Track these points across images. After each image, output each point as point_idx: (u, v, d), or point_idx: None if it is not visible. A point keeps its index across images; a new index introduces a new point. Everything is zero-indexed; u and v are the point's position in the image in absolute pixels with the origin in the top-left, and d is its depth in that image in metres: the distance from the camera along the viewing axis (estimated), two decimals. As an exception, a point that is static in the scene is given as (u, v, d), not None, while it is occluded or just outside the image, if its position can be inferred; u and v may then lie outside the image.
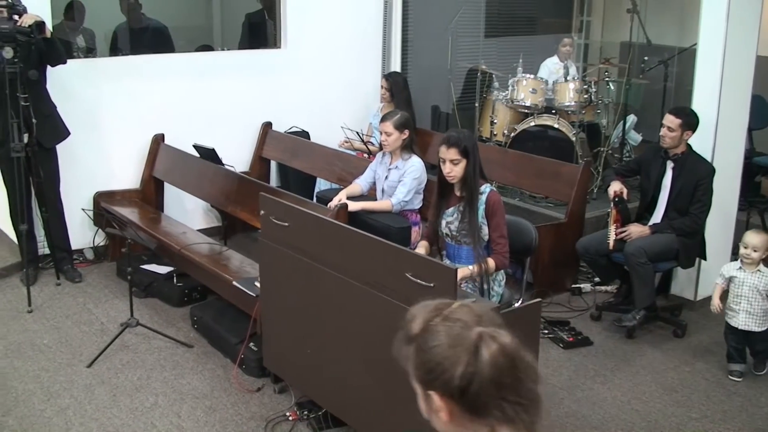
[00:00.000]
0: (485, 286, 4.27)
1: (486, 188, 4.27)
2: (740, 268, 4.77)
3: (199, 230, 6.24)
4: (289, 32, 7.35)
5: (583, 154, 7.26)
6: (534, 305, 3.62)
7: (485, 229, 4.25)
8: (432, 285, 3.28)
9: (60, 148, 6.00)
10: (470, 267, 4.18)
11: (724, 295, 4.89)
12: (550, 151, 6.86)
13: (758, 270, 4.73)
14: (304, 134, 7.40)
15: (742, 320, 4.73)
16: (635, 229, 5.29)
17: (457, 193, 4.31)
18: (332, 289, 3.84)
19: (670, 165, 5.32)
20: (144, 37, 7.69)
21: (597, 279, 5.97)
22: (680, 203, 5.26)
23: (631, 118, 8.01)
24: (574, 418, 4.37)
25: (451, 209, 4.34)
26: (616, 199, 5.37)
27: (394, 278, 3.46)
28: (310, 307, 4.02)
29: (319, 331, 3.99)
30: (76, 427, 4.17)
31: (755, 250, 4.69)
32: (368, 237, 3.67)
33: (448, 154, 4.18)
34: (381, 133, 5.36)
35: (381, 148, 5.55)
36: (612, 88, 7.98)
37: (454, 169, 4.20)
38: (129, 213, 6.21)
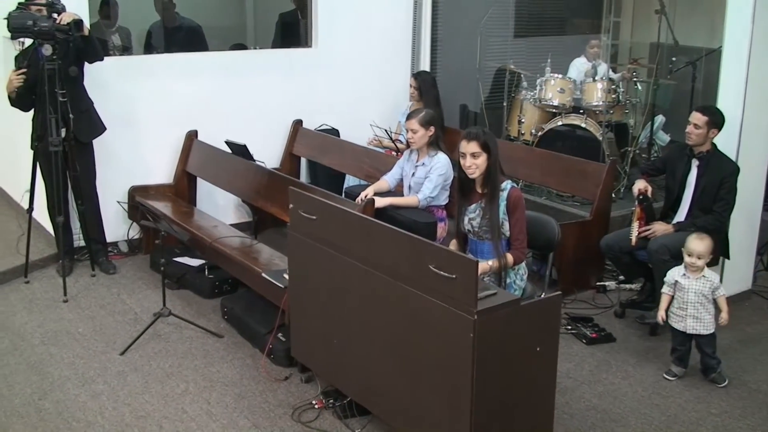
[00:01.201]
0: (507, 280, 4.36)
1: (507, 185, 4.35)
2: (684, 274, 4.72)
3: (231, 225, 6.37)
4: (321, 31, 7.48)
5: (611, 153, 7.31)
6: (554, 298, 3.70)
7: (506, 225, 4.33)
8: (454, 277, 3.38)
9: (96, 143, 6.17)
10: (489, 262, 4.27)
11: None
12: (577, 150, 6.91)
13: (703, 276, 4.69)
14: (334, 132, 7.52)
15: (690, 325, 4.70)
16: (659, 228, 5.35)
17: (479, 190, 4.40)
18: (358, 281, 3.95)
19: (695, 163, 5.37)
20: (178, 36, 7.85)
21: (622, 277, 6.03)
22: (704, 202, 5.30)
23: (660, 119, 8.04)
24: (595, 411, 4.44)
25: (473, 206, 4.42)
26: (641, 197, 5.43)
27: (418, 270, 3.55)
28: (337, 298, 4.13)
29: (345, 321, 4.10)
30: (109, 412, 4.32)
31: (699, 257, 4.65)
32: (393, 230, 3.77)
33: (469, 147, 4.27)
34: (407, 131, 5.46)
35: (408, 145, 5.64)
36: (640, 88, 8.02)
37: (474, 162, 4.27)
38: (162, 207, 6.36)
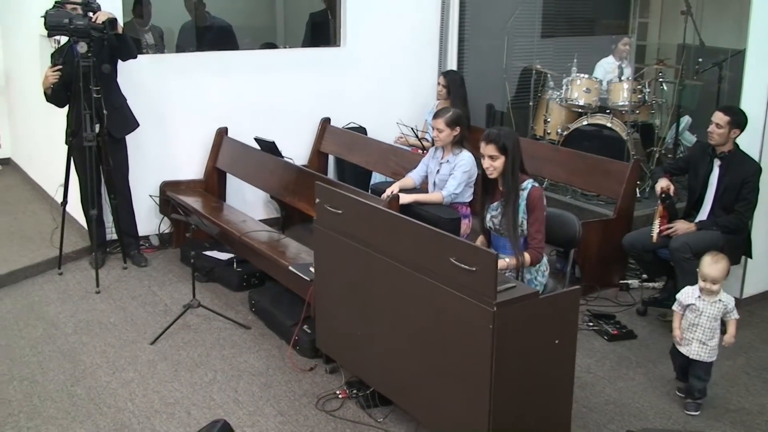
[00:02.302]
0: (528, 277, 4.44)
1: (528, 183, 4.42)
2: (699, 296, 4.43)
3: (259, 221, 6.46)
4: (349, 31, 7.59)
5: (637, 153, 7.35)
6: (573, 292, 3.77)
7: (525, 224, 4.41)
8: (474, 269, 3.47)
9: (129, 138, 6.31)
10: (506, 259, 4.35)
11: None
12: (602, 150, 6.95)
13: (719, 299, 4.41)
14: (362, 130, 7.62)
15: (695, 350, 4.43)
16: (681, 226, 5.40)
17: (501, 188, 4.48)
18: (381, 274, 4.05)
19: (717, 163, 5.41)
20: (209, 35, 7.98)
21: (645, 275, 6.08)
22: (726, 201, 5.35)
23: (686, 119, 8.06)
24: (614, 406, 4.50)
25: (495, 203, 4.51)
26: (663, 195, 5.49)
27: (439, 263, 3.65)
28: (361, 290, 4.23)
29: (368, 313, 4.20)
30: (139, 398, 4.46)
31: (714, 283, 4.37)
32: (415, 223, 3.87)
33: (487, 149, 4.36)
34: (433, 130, 5.55)
35: (433, 143, 5.73)
36: (665, 88, 8.05)
37: (492, 164, 4.37)
38: (193, 202, 6.49)
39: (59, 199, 6.31)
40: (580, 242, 4.80)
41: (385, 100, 7.77)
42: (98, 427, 4.17)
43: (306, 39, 8.58)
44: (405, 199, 5.37)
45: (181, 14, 8.26)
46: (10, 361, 4.86)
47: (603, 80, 7.95)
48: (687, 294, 4.50)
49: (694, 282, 5.31)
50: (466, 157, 5.42)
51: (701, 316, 4.41)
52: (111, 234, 6.51)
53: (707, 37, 7.91)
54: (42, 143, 7.68)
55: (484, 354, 3.46)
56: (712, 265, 4.39)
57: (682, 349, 4.50)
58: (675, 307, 4.54)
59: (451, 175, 5.43)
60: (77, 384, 4.61)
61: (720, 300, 4.41)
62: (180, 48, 8.11)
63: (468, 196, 5.51)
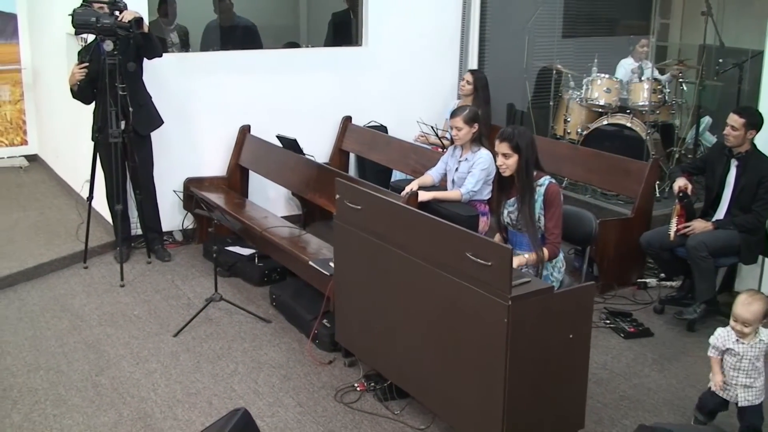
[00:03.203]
0: (544, 272, 4.50)
1: (545, 180, 4.49)
2: (738, 340, 3.99)
3: (281, 217, 6.56)
4: (371, 31, 7.66)
5: (657, 153, 7.37)
6: (587, 287, 3.83)
7: (543, 220, 4.47)
8: (489, 264, 3.53)
9: (154, 135, 6.42)
10: (526, 255, 4.42)
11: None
12: (622, 150, 6.96)
13: (759, 339, 3.99)
14: (383, 128, 7.69)
15: (741, 396, 4.02)
16: (698, 225, 5.43)
17: (518, 185, 4.55)
18: (399, 269, 4.12)
19: (734, 163, 5.45)
20: (234, 35, 8.08)
21: (662, 274, 6.11)
22: (743, 200, 5.38)
23: (706, 120, 8.07)
24: (629, 401, 4.55)
25: (512, 200, 4.58)
26: (681, 195, 5.53)
27: (455, 257, 3.71)
28: (379, 285, 4.31)
29: (387, 307, 4.27)
30: (162, 389, 4.56)
31: (746, 325, 3.94)
32: (432, 219, 3.94)
33: (501, 148, 4.44)
34: (452, 128, 5.61)
35: (452, 142, 5.79)
36: (685, 89, 8.07)
37: (505, 162, 4.45)
38: (216, 198, 6.59)
39: (85, 194, 6.42)
40: (596, 239, 4.85)
41: (406, 99, 7.83)
42: (121, 416, 4.28)
43: (328, 38, 8.67)
44: (424, 196, 5.43)
45: (204, 13, 8.36)
46: (36, 351, 4.98)
47: (623, 80, 7.98)
48: (722, 338, 4.04)
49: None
50: (484, 155, 5.48)
51: (742, 360, 4.00)
52: (135, 229, 6.62)
53: (729, 37, 7.91)
54: (68, 140, 7.81)
55: (499, 348, 3.52)
56: (745, 306, 3.96)
57: (725, 396, 4.08)
58: (711, 352, 4.09)
59: (469, 173, 5.49)
60: (101, 374, 4.72)
61: (761, 340, 3.99)
62: (205, 47, 8.21)
63: (486, 194, 5.56)
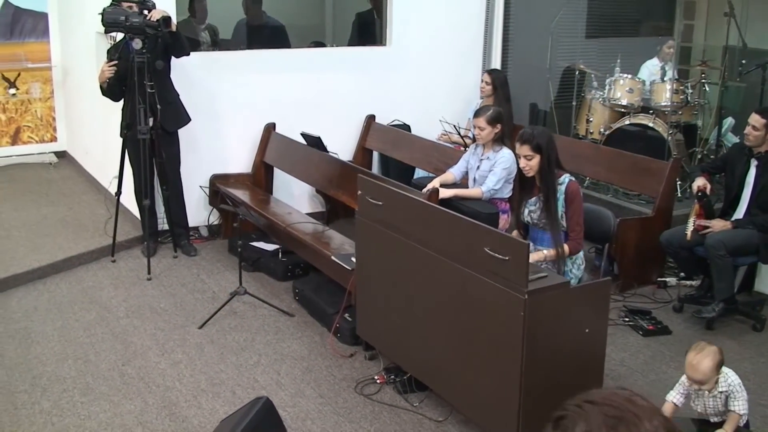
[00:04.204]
0: (564, 268, 4.56)
1: (565, 178, 4.56)
2: (693, 390, 3.82)
3: (305, 214, 6.64)
4: (395, 30, 7.75)
5: (680, 154, 7.40)
6: (603, 283, 3.91)
7: (565, 217, 4.54)
8: (507, 258, 3.61)
9: (181, 132, 6.54)
10: (544, 251, 4.49)
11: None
12: (645, 150, 6.97)
13: (718, 391, 3.74)
14: (406, 127, 7.77)
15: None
16: (718, 224, 5.47)
17: (538, 184, 4.62)
18: (419, 263, 4.20)
19: (754, 163, 5.48)
20: (262, 34, 8.17)
21: (682, 273, 6.14)
22: (763, 200, 5.42)
23: (729, 121, 8.08)
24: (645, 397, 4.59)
25: (533, 199, 4.65)
26: (700, 194, 5.57)
27: (474, 252, 3.79)
28: (399, 279, 4.39)
29: (407, 302, 4.36)
30: (187, 378, 4.67)
31: (702, 383, 3.69)
32: (451, 214, 4.02)
33: (522, 150, 4.52)
34: (474, 128, 5.68)
35: (475, 141, 5.86)
36: (707, 89, 8.08)
37: (528, 164, 4.53)
38: (241, 194, 6.70)
39: (113, 190, 6.54)
40: (614, 237, 4.90)
41: (429, 99, 7.90)
42: (147, 404, 4.39)
43: (353, 38, 8.75)
44: (445, 193, 5.51)
45: (234, 12, 8.46)
46: (65, 341, 5.11)
47: (647, 81, 8.01)
48: (683, 382, 3.87)
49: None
50: (506, 154, 5.55)
51: (706, 409, 3.83)
52: (163, 224, 6.74)
53: (752, 38, 7.91)
54: (97, 136, 7.95)
55: (516, 341, 3.60)
56: (693, 367, 3.69)
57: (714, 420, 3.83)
58: (670, 396, 3.94)
59: (491, 172, 5.56)
60: (128, 364, 4.84)
61: (720, 392, 3.73)
62: (235, 45, 8.30)
63: (507, 192, 5.62)
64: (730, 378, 3.74)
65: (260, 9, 8.17)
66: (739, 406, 3.71)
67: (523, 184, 4.75)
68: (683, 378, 3.88)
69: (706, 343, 3.81)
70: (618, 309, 5.67)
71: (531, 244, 4.49)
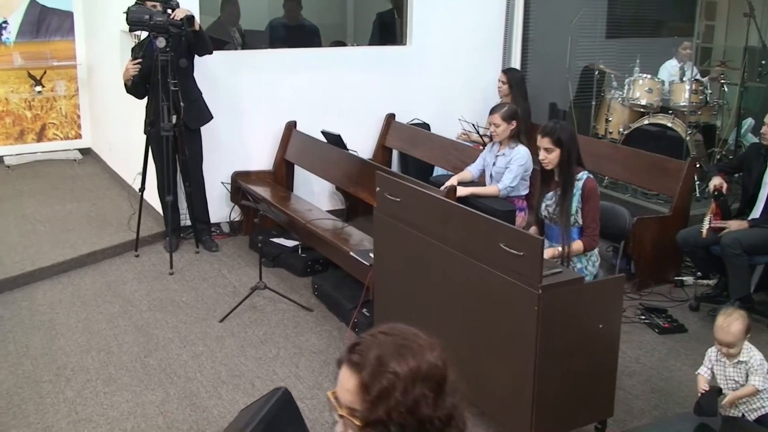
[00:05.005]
0: (578, 266, 4.61)
1: (583, 175, 4.60)
2: (717, 359, 3.92)
3: (325, 211, 6.72)
4: (415, 30, 7.81)
5: (699, 154, 7.41)
6: (617, 279, 3.96)
7: (580, 213, 4.59)
8: (521, 254, 3.67)
9: (204, 130, 6.63)
10: (558, 248, 4.55)
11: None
12: (664, 150, 6.97)
13: (738, 360, 3.81)
14: (425, 126, 7.82)
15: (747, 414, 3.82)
16: (734, 224, 5.50)
17: (557, 179, 4.67)
18: (436, 259, 4.27)
19: (770, 162, 5.52)
20: (299, 34, 8.21)
21: (699, 273, 6.17)
22: (780, 200, 5.45)
23: (748, 121, 8.09)
24: (659, 394, 4.65)
25: (550, 194, 4.70)
26: (716, 193, 5.60)
27: (489, 248, 3.85)
28: (416, 274, 4.46)
29: (424, 297, 4.43)
30: (207, 370, 4.77)
31: (731, 347, 3.77)
32: (467, 210, 4.09)
33: (543, 142, 4.57)
34: (490, 125, 5.75)
35: (491, 139, 5.92)
36: (727, 90, 8.10)
37: (548, 156, 4.58)
38: (262, 191, 6.79)
39: (137, 186, 6.65)
40: (630, 234, 4.94)
41: (449, 98, 7.95)
42: (168, 395, 4.49)
43: (373, 37, 8.82)
44: (462, 191, 5.56)
45: (265, 13, 8.55)
46: (89, 333, 5.22)
47: (666, 81, 8.03)
48: (709, 355, 3.97)
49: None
50: (521, 151, 5.60)
51: (727, 382, 3.88)
52: (185, 220, 6.83)
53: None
54: (121, 133, 8.06)
55: (530, 335, 3.66)
56: (723, 330, 3.79)
57: (733, 413, 3.86)
58: (701, 370, 3.98)
59: (507, 169, 5.61)
60: (150, 356, 4.94)
61: (739, 361, 3.81)
62: (270, 45, 8.34)
63: (524, 190, 5.68)
64: (753, 351, 3.81)
65: (300, 9, 8.23)
66: (758, 381, 3.74)
67: (543, 177, 4.79)
68: (709, 351, 3.99)
69: (734, 308, 3.93)
70: (635, 307, 5.71)
71: (546, 240, 4.56)
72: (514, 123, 5.62)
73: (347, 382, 1.78)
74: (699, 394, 3.85)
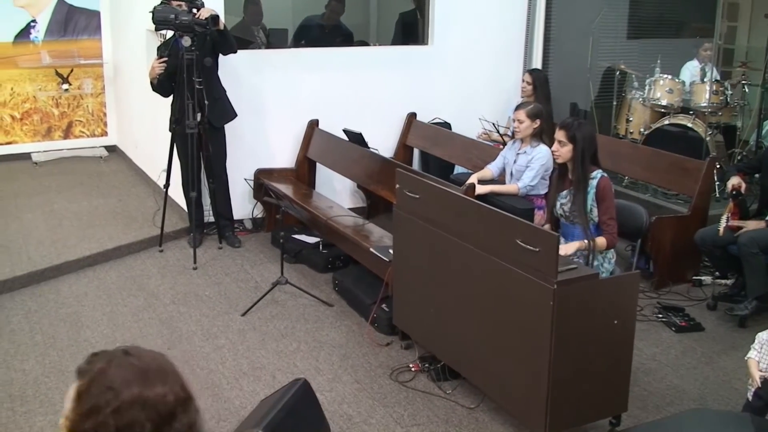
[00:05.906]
0: (595, 263, 4.66)
1: (597, 174, 4.65)
2: None
3: (346, 209, 6.79)
4: (437, 30, 7.88)
5: (719, 154, 7.42)
6: (632, 275, 4.01)
7: (595, 211, 4.64)
8: (537, 250, 3.73)
9: (228, 127, 6.73)
10: (576, 243, 4.59)
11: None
12: (684, 150, 6.97)
13: None
14: (446, 125, 7.89)
15: None
16: (752, 224, 5.53)
17: (571, 177, 4.73)
18: (454, 255, 4.34)
19: (789, 163, 5.55)
20: (330, 36, 8.29)
21: (718, 273, 6.19)
22: (798, 199, 5.48)
23: (770, 122, 8.11)
24: (675, 391, 4.69)
25: (565, 192, 4.76)
26: (734, 193, 5.63)
27: (506, 244, 3.92)
28: (434, 270, 4.53)
29: (441, 292, 4.49)
30: (230, 362, 4.86)
31: None
32: (485, 207, 4.15)
33: (558, 134, 4.65)
34: (514, 121, 5.80)
35: (513, 136, 5.98)
36: (747, 90, 8.10)
37: (560, 149, 4.65)
38: (284, 188, 6.88)
39: (161, 183, 6.75)
40: (647, 232, 4.98)
41: (470, 97, 8.02)
42: (191, 386, 4.57)
43: (396, 37, 8.89)
44: (481, 189, 5.63)
45: (288, 13, 8.63)
46: (114, 326, 5.34)
47: (687, 82, 8.05)
48: (760, 339, 4.04)
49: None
50: (543, 150, 5.66)
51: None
52: (209, 216, 6.94)
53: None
54: (146, 131, 8.19)
55: (545, 330, 3.72)
56: None
57: None
58: (751, 354, 4.05)
59: (527, 167, 5.67)
60: (173, 348, 5.04)
61: None
62: (300, 44, 8.44)
63: (543, 189, 5.73)
64: None
65: (343, 11, 8.30)
66: None
67: (558, 175, 4.85)
68: (759, 335, 4.06)
69: None
70: (652, 306, 5.75)
71: (561, 238, 4.61)
72: (538, 122, 5.67)
73: (71, 389, 1.74)
74: (750, 381, 4.01)
